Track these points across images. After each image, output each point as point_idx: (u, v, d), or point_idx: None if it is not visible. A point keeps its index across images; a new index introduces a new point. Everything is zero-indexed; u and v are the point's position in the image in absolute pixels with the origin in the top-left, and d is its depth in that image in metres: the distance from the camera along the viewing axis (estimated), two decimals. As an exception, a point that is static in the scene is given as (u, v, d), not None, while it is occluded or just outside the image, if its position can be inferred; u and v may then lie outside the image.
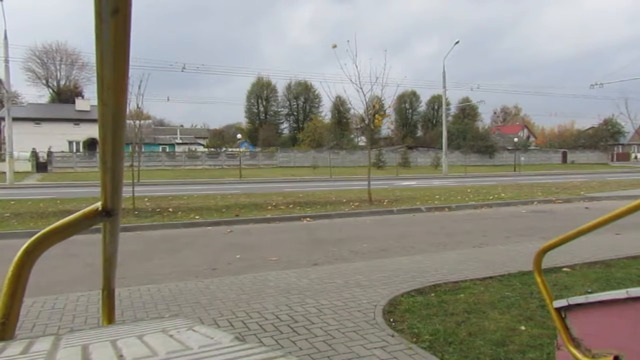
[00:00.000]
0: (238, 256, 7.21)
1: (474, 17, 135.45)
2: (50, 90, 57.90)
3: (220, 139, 57.27)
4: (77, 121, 45.47)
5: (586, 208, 13.18)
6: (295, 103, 67.91)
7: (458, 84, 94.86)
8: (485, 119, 76.09)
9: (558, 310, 2.03)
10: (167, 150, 50.66)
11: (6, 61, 24.93)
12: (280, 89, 67.28)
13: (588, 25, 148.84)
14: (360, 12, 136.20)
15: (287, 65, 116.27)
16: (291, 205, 13.31)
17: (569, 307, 1.98)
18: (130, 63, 0.66)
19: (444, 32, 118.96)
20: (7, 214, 11.44)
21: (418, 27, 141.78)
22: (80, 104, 47.78)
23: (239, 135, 47.84)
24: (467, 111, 64.69)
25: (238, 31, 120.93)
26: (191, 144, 53.93)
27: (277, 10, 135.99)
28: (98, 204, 1.02)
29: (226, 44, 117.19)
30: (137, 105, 12.84)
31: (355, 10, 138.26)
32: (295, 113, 67.99)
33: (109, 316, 1.50)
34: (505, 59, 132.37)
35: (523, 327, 3.89)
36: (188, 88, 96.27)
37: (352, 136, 62.71)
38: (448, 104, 46.61)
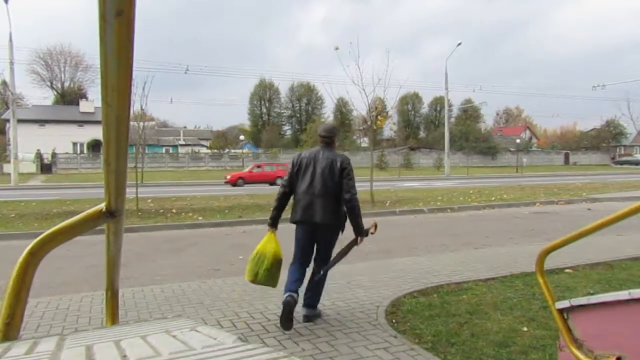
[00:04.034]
0: (241, 257, 7.21)
1: (486, 18, 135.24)
2: (55, 92, 58.11)
3: (223, 140, 57.30)
4: (81, 123, 45.61)
5: (588, 209, 13.13)
6: (298, 104, 67.90)
7: (462, 85, 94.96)
8: (487, 120, 75.94)
9: (560, 311, 2.03)
10: (171, 151, 50.76)
11: (11, 63, 25.04)
12: (284, 90, 67.39)
13: (594, 26, 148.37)
14: (374, 11, 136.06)
15: (296, 66, 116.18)
16: (294, 207, 13.31)
17: (572, 308, 1.98)
18: (134, 65, 0.67)
19: (455, 33, 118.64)
20: (12, 215, 11.49)
21: (431, 27, 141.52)
22: (84, 106, 47.93)
23: (241, 137, 47.95)
24: (470, 112, 64.55)
25: (248, 32, 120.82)
26: (194, 145, 53.99)
27: (289, 10, 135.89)
28: (102, 205, 1.03)
29: (235, 45, 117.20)
30: (141, 106, 12.84)
31: (368, 9, 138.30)
32: (297, 114, 67.96)
33: (113, 317, 1.51)
34: (512, 59, 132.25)
35: (525, 328, 3.88)
36: (192, 89, 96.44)
37: (355, 137, 62.67)
38: (450, 105, 46.64)
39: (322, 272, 4.17)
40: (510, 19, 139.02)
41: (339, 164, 4.07)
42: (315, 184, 4.07)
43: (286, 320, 3.83)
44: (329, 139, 4.29)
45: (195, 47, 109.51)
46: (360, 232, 4.12)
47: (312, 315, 4.18)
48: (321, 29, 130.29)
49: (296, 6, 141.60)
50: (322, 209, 4.02)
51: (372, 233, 4.24)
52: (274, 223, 4.15)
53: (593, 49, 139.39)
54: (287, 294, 3.91)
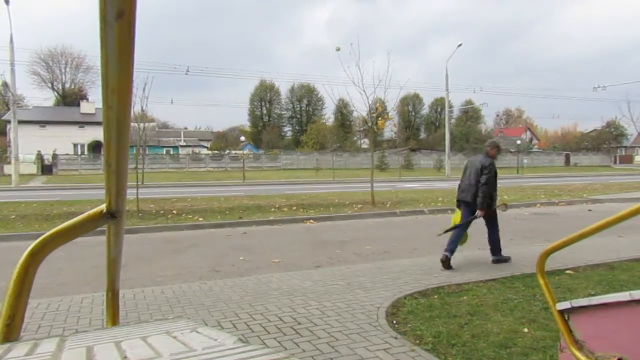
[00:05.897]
0: (241, 258, 7.21)
1: (491, 19, 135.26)
2: (56, 93, 58.15)
3: (223, 141, 57.33)
4: (82, 124, 45.64)
5: (589, 210, 13.12)
6: (298, 105, 67.91)
7: (463, 86, 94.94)
8: (488, 122, 75.97)
9: (561, 312, 2.03)
10: (171, 152, 50.74)
11: (12, 64, 25.05)
12: (284, 91, 67.40)
13: (597, 28, 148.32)
14: (379, 12, 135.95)
15: (299, 67, 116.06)
16: (294, 207, 13.32)
17: (572, 310, 1.98)
18: (135, 66, 0.67)
19: (460, 34, 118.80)
20: (13, 216, 11.50)
21: (436, 28, 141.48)
22: (85, 107, 47.96)
23: (242, 138, 47.87)
24: (470, 113, 64.57)
25: (252, 33, 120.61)
26: (195, 146, 53.99)
27: (294, 10, 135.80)
28: (102, 206, 1.03)
29: (238, 46, 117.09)
30: (142, 107, 12.84)
31: (374, 10, 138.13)
32: (298, 115, 67.98)
33: (113, 318, 1.51)
34: (514, 61, 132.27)
35: (526, 330, 3.88)
36: (193, 90, 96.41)
37: (355, 138, 62.72)
38: (451, 106, 46.58)
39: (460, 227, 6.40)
40: (515, 21, 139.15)
41: (481, 165, 6.31)
42: (468, 176, 6.41)
43: (445, 267, 6.03)
44: (486, 149, 6.62)
45: (198, 47, 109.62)
46: (480, 207, 6.23)
47: (445, 259, 6.04)
48: (326, 30, 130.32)
49: (301, 7, 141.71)
50: (469, 192, 6.33)
51: (502, 210, 6.95)
52: (457, 205, 6.67)
53: (596, 50, 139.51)
54: (444, 254, 6.08)
